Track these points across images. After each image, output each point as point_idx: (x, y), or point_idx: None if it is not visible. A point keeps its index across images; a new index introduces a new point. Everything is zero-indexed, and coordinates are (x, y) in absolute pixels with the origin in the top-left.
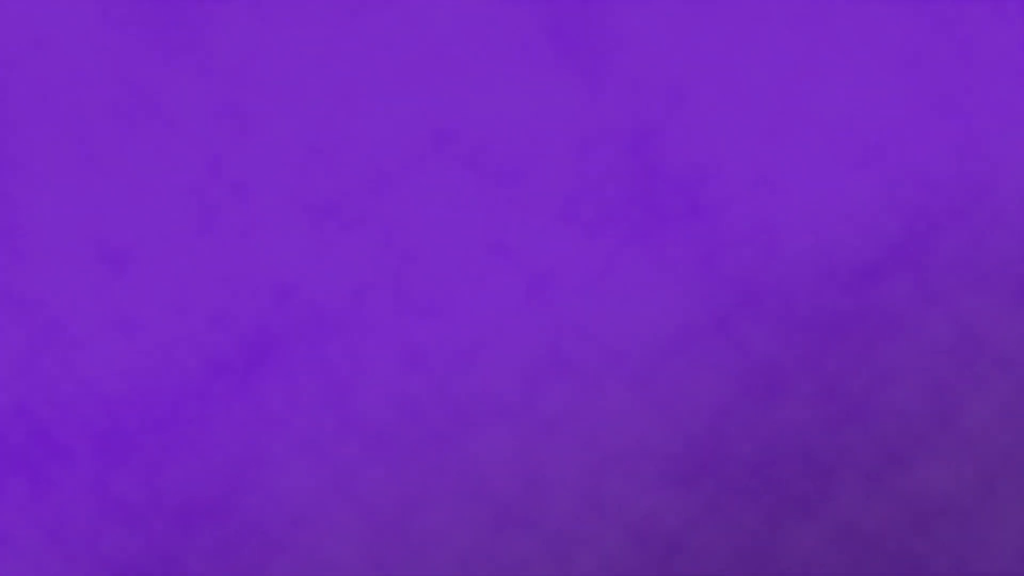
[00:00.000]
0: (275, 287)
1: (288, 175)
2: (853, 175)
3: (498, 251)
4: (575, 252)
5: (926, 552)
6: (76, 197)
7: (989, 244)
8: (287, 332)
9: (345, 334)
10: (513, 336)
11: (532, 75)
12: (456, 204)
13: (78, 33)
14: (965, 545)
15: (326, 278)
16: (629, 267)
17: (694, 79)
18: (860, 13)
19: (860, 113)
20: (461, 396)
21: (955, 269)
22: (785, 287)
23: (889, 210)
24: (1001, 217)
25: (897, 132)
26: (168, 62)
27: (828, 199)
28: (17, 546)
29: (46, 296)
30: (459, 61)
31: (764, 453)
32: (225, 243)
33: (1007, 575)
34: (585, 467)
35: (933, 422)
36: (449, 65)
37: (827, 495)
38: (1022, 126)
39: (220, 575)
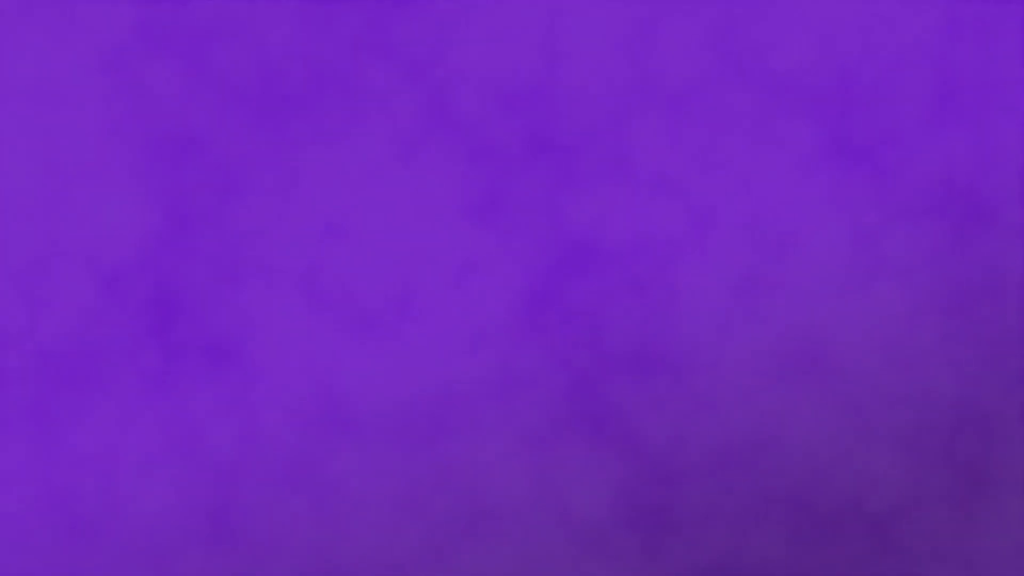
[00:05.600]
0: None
1: (286, 174)
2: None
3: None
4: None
5: None
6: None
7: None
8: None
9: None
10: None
11: None
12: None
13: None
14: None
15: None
16: (631, 261)
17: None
18: (858, 13)
19: (857, 112)
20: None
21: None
22: (779, 290)
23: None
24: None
25: (896, 132)
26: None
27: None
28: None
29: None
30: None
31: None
32: (222, 237)
33: None
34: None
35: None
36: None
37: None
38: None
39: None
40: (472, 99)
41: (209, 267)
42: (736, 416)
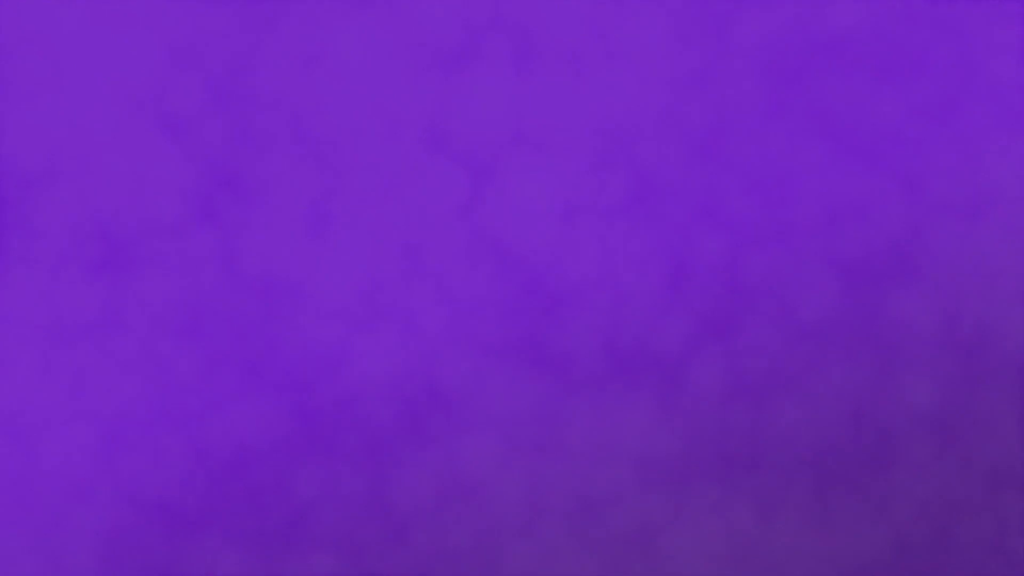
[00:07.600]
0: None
1: (285, 172)
2: (851, 173)
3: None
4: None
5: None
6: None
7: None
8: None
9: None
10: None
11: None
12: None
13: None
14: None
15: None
16: (630, 261)
17: (692, 78)
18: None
19: (859, 113)
20: (455, 394)
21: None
22: (783, 286)
23: (886, 209)
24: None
25: (896, 132)
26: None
27: (826, 197)
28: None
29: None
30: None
31: (757, 450)
32: (222, 239)
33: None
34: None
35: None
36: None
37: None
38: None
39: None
40: (474, 100)
41: (212, 259)
42: (736, 413)
